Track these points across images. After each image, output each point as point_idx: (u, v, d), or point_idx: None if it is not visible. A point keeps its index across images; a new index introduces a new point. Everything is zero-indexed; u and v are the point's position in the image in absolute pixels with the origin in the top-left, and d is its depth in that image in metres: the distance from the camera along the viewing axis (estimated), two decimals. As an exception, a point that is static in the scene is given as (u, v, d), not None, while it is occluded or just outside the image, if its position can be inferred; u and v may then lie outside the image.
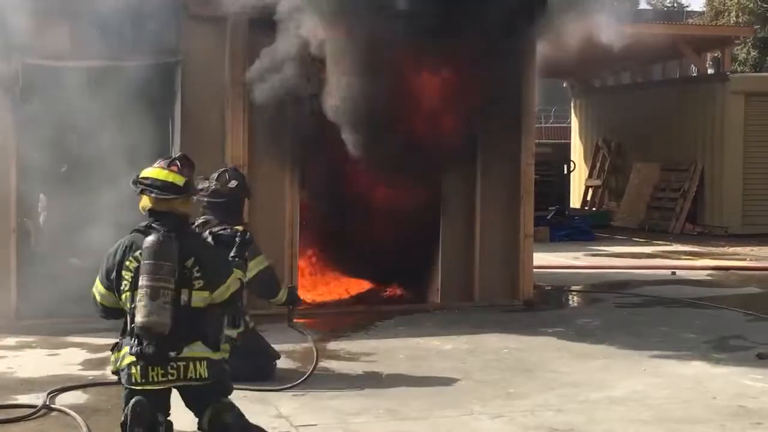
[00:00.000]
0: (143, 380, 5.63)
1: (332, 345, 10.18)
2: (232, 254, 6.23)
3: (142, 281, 5.58)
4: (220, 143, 11.54)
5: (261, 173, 11.55)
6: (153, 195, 5.82)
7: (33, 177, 11.87)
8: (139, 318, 5.54)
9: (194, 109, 11.53)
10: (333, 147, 11.13)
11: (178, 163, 5.94)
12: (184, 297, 5.67)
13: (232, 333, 8.45)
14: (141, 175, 5.89)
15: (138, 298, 5.56)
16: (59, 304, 11.01)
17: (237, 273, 6.00)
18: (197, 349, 5.70)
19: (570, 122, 28.88)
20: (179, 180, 5.85)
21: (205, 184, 8.87)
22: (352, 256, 12.73)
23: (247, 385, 8.12)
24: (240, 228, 6.16)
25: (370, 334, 10.93)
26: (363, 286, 13.28)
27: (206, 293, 5.75)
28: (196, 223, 8.72)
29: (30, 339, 10.24)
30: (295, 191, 11.83)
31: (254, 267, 8.78)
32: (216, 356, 5.78)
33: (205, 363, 5.71)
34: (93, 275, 5.94)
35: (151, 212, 5.85)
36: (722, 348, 10.26)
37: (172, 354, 5.63)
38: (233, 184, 8.92)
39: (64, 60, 10.97)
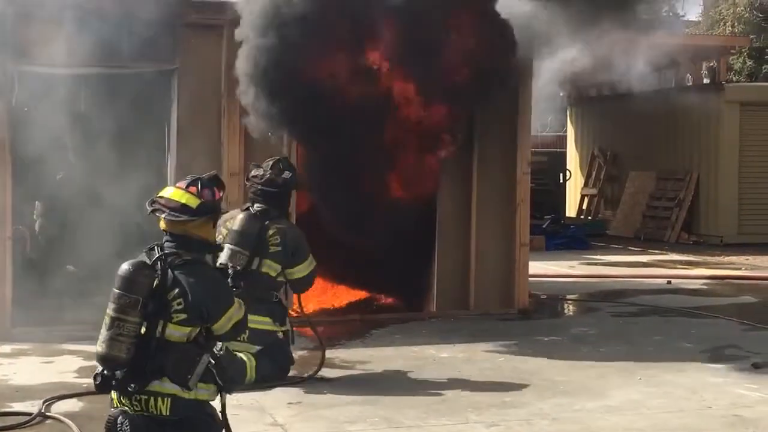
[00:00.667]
0: (117, 404, 5.63)
1: (327, 353, 10.14)
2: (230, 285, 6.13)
3: (107, 308, 5.51)
4: (217, 150, 11.53)
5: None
6: (164, 216, 5.72)
7: (29, 184, 11.89)
8: (96, 346, 5.53)
9: (190, 116, 11.52)
10: (328, 157, 11.11)
11: (200, 184, 5.78)
12: (159, 329, 5.55)
13: (280, 330, 8.62)
14: (158, 194, 5.81)
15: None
16: (54, 312, 11.02)
17: (237, 302, 5.86)
18: (166, 385, 5.57)
19: (566, 131, 28.89)
20: (193, 202, 5.71)
21: (259, 172, 8.94)
22: (346, 264, 12.71)
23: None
24: (231, 263, 6.04)
25: (366, 342, 10.93)
26: (358, 294, 13.27)
27: (187, 328, 5.59)
28: (253, 211, 8.84)
29: (25, 346, 10.22)
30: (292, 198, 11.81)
31: (305, 268, 8.92)
32: (186, 395, 5.61)
33: (168, 400, 5.57)
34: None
35: (168, 233, 5.76)
36: (718, 357, 10.26)
37: (132, 387, 5.53)
38: (287, 174, 8.96)
39: (59, 67, 10.96)
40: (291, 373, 9.10)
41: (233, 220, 8.94)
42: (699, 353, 10.42)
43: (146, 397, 5.57)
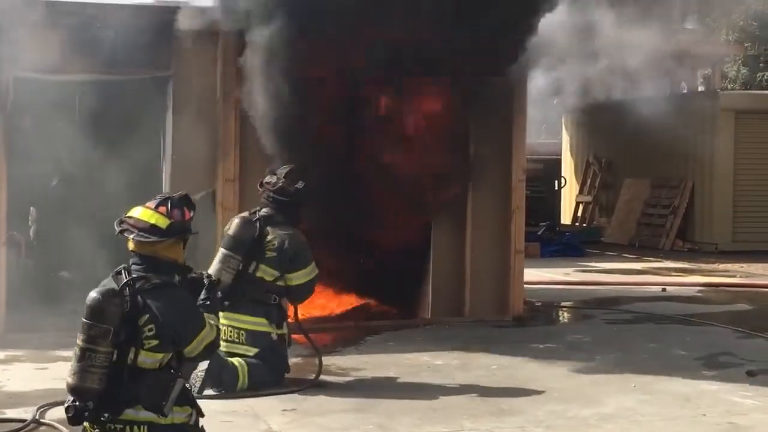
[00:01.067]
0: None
1: (322, 360, 10.15)
2: (202, 297, 5.94)
3: (77, 338, 5.41)
4: (212, 158, 11.52)
5: (252, 186, 11.53)
6: (132, 237, 5.62)
7: (24, 190, 11.87)
8: (66, 377, 5.45)
9: (185, 123, 11.52)
10: (324, 163, 11.13)
11: (170, 203, 5.69)
12: (131, 356, 5.45)
13: (276, 331, 8.65)
14: (126, 214, 5.69)
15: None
16: (49, 318, 11.00)
17: (208, 324, 5.70)
18: (141, 414, 5.48)
19: (561, 138, 28.90)
20: (162, 222, 5.60)
21: (272, 179, 9.00)
22: (341, 271, 12.70)
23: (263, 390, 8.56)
24: (205, 272, 6.01)
25: (360, 349, 10.91)
26: (352, 301, 13.27)
27: (159, 355, 5.49)
28: (258, 216, 8.88)
29: (19, 353, 10.20)
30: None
31: (304, 276, 8.94)
32: (163, 421, 5.51)
33: (145, 428, 5.48)
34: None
35: (137, 255, 5.64)
36: (712, 365, 10.26)
37: (105, 417, 5.43)
38: (300, 185, 9.01)
39: (55, 73, 10.96)
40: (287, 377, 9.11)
41: (231, 223, 9.04)
42: (693, 361, 10.42)
43: (121, 426, 5.47)
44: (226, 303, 8.83)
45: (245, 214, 9.21)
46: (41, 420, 7.76)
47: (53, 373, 9.38)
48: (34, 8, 10.52)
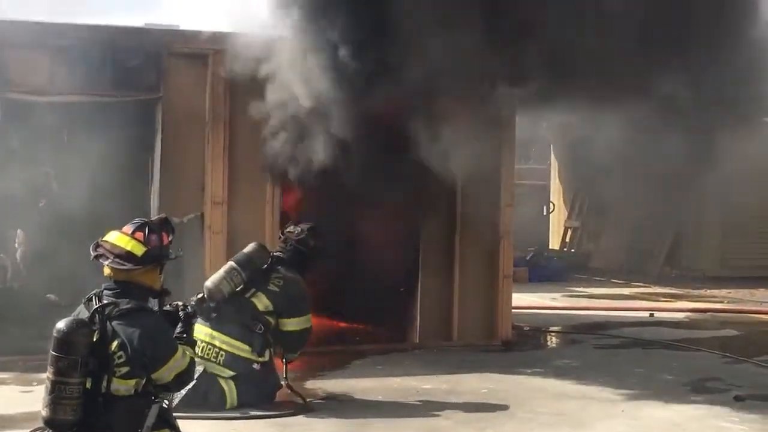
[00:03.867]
0: None
1: (309, 384, 10.12)
2: (178, 331, 5.77)
3: (47, 371, 5.32)
4: (200, 180, 11.51)
5: (240, 210, 11.53)
6: (107, 263, 5.54)
7: (10, 211, 11.83)
8: (41, 409, 5.36)
9: (174, 145, 11.49)
10: (314, 186, 11.12)
11: (148, 229, 5.59)
12: (103, 384, 5.34)
13: (257, 360, 8.69)
14: (102, 239, 5.60)
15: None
16: (35, 341, 10.93)
17: (181, 351, 5.57)
18: None
19: (550, 163, 28.93)
20: (138, 250, 5.51)
21: (296, 230, 9.39)
22: (330, 294, 12.69)
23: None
24: (181, 303, 5.96)
25: (348, 373, 10.88)
26: (341, 325, 13.24)
27: (131, 381, 5.39)
28: (273, 253, 9.10)
29: (4, 375, 10.15)
30: (275, 229, 11.79)
31: (299, 324, 9.06)
32: None
33: None
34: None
35: (111, 280, 5.55)
36: (700, 390, 10.26)
37: None
38: (319, 243, 9.38)
39: (44, 95, 10.94)
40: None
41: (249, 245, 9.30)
42: (681, 386, 10.42)
43: None
44: (214, 315, 8.91)
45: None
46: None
47: (38, 396, 9.30)
48: (23, 29, 10.51)
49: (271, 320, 9.09)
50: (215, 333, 8.95)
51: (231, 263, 9.16)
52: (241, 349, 8.91)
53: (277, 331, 9.14)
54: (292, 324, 9.18)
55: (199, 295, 8.74)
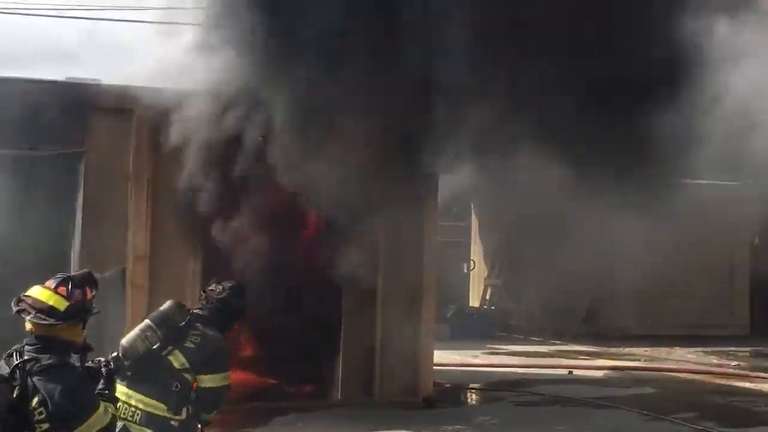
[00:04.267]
0: None
1: (231, 440, 10.07)
2: (100, 387, 5.64)
3: None
4: (123, 234, 11.44)
5: (163, 264, 11.48)
6: (29, 318, 5.40)
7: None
8: None
9: (97, 199, 11.44)
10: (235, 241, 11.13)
11: (71, 283, 5.49)
12: None
13: (173, 417, 8.58)
14: (24, 294, 5.48)
15: None
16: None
17: (102, 408, 5.44)
18: None
19: (470, 222, 29.17)
20: (61, 305, 5.40)
21: (218, 288, 9.18)
22: (249, 350, 12.63)
23: None
24: (103, 359, 5.89)
25: (269, 430, 10.82)
26: (261, 381, 13.16)
27: None
28: (192, 310, 8.92)
29: None
30: (197, 284, 11.75)
31: (217, 381, 8.93)
32: None
33: None
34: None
35: (33, 335, 5.41)
36: (618, 447, 10.38)
37: None
38: (240, 304, 9.22)
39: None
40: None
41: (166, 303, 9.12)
42: (600, 443, 10.53)
43: None
44: (129, 373, 8.79)
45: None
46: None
47: None
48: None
49: (189, 377, 9.01)
50: (131, 392, 8.83)
51: (146, 321, 8.98)
52: (158, 407, 8.82)
53: (196, 389, 9.06)
54: (209, 381, 9.09)
55: (114, 354, 8.63)
